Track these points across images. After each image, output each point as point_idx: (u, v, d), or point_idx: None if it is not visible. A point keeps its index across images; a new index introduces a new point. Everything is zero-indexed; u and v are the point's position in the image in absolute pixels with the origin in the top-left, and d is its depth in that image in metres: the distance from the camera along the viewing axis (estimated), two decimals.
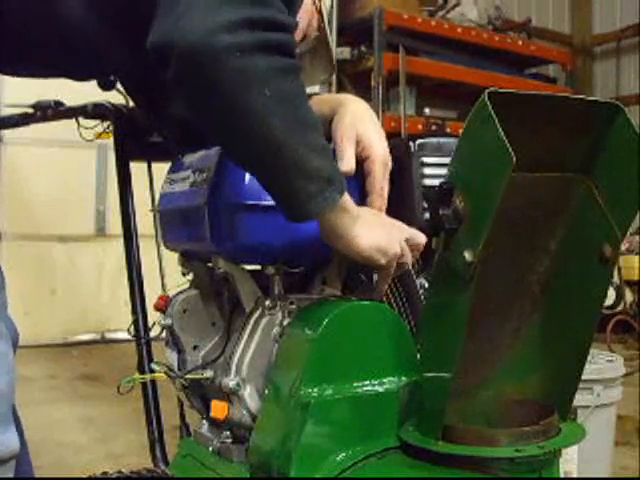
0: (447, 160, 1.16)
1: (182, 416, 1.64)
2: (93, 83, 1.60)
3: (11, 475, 1.14)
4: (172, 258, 1.55)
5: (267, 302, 1.32)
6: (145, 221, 1.67)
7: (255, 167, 1.12)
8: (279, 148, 1.04)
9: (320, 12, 1.42)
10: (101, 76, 1.56)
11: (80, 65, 1.37)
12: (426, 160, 1.42)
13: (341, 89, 6.55)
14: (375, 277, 1.35)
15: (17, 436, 1.13)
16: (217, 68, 0.99)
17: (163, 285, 1.58)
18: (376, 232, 1.20)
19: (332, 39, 1.49)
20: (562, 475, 1.30)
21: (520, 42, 7.24)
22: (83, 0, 1.21)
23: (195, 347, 1.45)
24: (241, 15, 1.00)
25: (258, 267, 1.37)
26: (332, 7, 6.31)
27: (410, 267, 1.35)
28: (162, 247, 1.57)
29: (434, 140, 1.45)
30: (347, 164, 1.25)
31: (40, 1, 1.21)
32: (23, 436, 1.42)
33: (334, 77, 6.35)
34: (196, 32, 0.98)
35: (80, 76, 1.47)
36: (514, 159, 0.98)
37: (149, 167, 1.76)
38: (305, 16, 1.38)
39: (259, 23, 1.01)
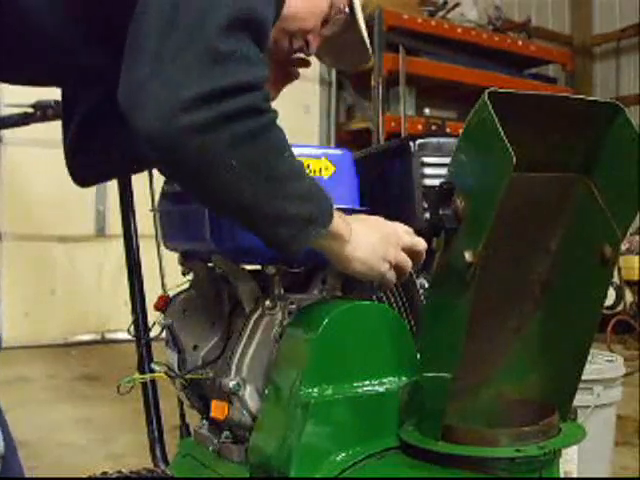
0: (447, 160, 1.16)
1: (182, 416, 1.64)
2: None
3: None
4: (172, 258, 1.55)
5: (267, 302, 1.32)
6: (145, 221, 1.67)
7: (235, 221, 1.17)
8: (252, 210, 1.06)
9: None
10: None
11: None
12: (426, 160, 1.42)
13: (341, 89, 6.55)
14: None
15: (2, 440, 1.13)
16: (178, 151, 0.98)
17: (163, 285, 1.58)
18: (369, 251, 1.20)
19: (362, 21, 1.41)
20: (562, 475, 1.30)
21: (520, 42, 7.24)
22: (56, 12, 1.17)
23: (195, 347, 1.45)
24: (202, 89, 0.96)
25: (258, 267, 1.37)
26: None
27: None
28: (162, 247, 1.57)
29: (434, 140, 1.45)
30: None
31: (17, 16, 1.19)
32: (12, 439, 1.42)
33: (334, 77, 6.35)
34: (153, 115, 0.96)
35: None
36: (514, 159, 0.98)
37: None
38: (323, 2, 1.30)
39: (219, 94, 0.97)
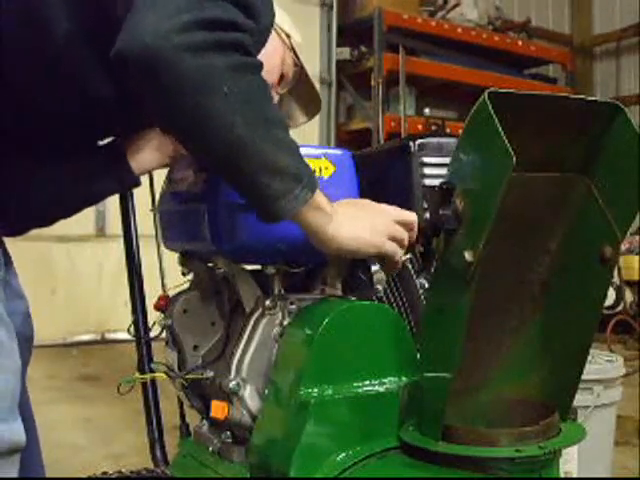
0: (447, 160, 1.16)
1: (182, 416, 1.64)
2: None
3: (15, 469, 1.13)
4: (172, 258, 1.55)
5: (267, 302, 1.32)
6: (145, 221, 1.67)
7: (221, 168, 1.12)
8: (243, 146, 1.04)
9: (293, 49, 1.43)
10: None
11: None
12: (426, 160, 1.42)
13: (341, 89, 6.55)
14: (376, 276, 1.35)
15: (22, 430, 1.13)
16: (171, 69, 0.99)
17: (163, 285, 1.58)
18: (356, 226, 1.17)
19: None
20: (562, 475, 1.30)
21: (520, 42, 7.25)
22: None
23: (195, 347, 1.45)
24: (194, 17, 1.00)
25: (258, 267, 1.37)
26: (332, 8, 6.33)
27: (410, 251, 1.34)
28: (162, 247, 1.57)
29: (434, 140, 1.45)
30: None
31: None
32: (37, 437, 1.42)
33: (334, 77, 6.35)
34: (149, 34, 0.99)
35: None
36: (514, 159, 0.98)
37: None
38: (276, 56, 1.38)
39: (213, 23, 1.02)
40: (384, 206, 1.24)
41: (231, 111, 1.02)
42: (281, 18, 1.38)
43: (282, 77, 1.42)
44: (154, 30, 0.99)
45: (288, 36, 1.42)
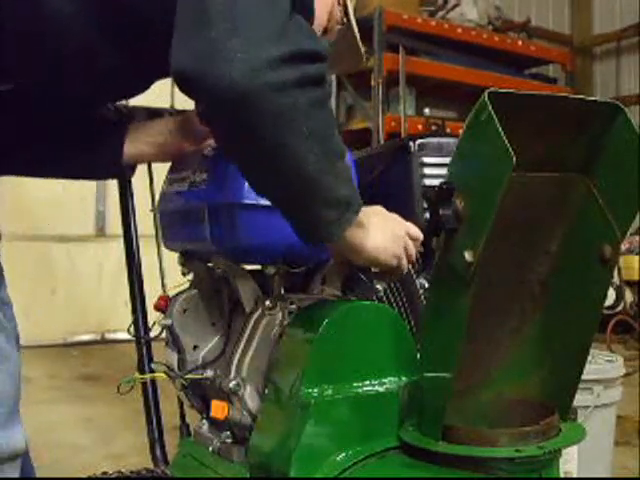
0: (447, 160, 1.16)
1: (182, 416, 1.64)
2: None
3: (16, 473, 1.13)
4: (172, 258, 1.55)
5: (267, 302, 1.32)
6: (145, 221, 1.67)
7: (280, 198, 1.11)
8: (310, 183, 1.04)
9: (344, 3, 1.39)
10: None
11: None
12: (426, 160, 1.42)
13: (341, 89, 6.55)
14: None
15: (22, 436, 1.12)
16: (255, 107, 0.96)
17: (163, 285, 1.58)
18: (385, 238, 1.20)
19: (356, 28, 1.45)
20: (562, 475, 1.30)
21: (520, 42, 7.24)
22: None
23: (195, 347, 1.46)
24: (282, 50, 0.96)
25: (258, 267, 1.37)
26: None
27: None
28: (162, 247, 1.57)
29: (434, 140, 1.45)
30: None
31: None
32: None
33: (334, 77, 6.34)
34: (239, 70, 0.94)
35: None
36: (514, 159, 0.98)
37: (149, 167, 1.76)
38: (324, 9, 1.32)
39: (298, 57, 0.98)
40: (398, 217, 1.25)
41: (307, 149, 1.02)
42: None
43: (326, 31, 1.35)
44: (244, 66, 0.94)
45: None
